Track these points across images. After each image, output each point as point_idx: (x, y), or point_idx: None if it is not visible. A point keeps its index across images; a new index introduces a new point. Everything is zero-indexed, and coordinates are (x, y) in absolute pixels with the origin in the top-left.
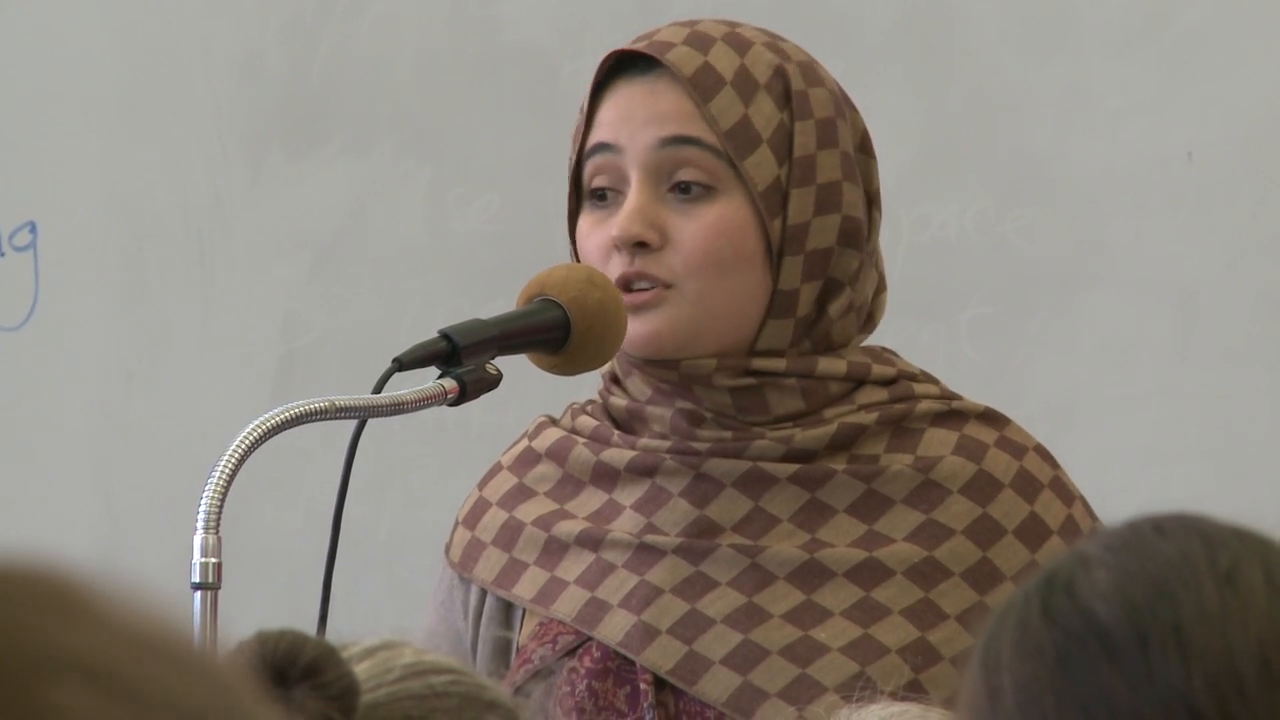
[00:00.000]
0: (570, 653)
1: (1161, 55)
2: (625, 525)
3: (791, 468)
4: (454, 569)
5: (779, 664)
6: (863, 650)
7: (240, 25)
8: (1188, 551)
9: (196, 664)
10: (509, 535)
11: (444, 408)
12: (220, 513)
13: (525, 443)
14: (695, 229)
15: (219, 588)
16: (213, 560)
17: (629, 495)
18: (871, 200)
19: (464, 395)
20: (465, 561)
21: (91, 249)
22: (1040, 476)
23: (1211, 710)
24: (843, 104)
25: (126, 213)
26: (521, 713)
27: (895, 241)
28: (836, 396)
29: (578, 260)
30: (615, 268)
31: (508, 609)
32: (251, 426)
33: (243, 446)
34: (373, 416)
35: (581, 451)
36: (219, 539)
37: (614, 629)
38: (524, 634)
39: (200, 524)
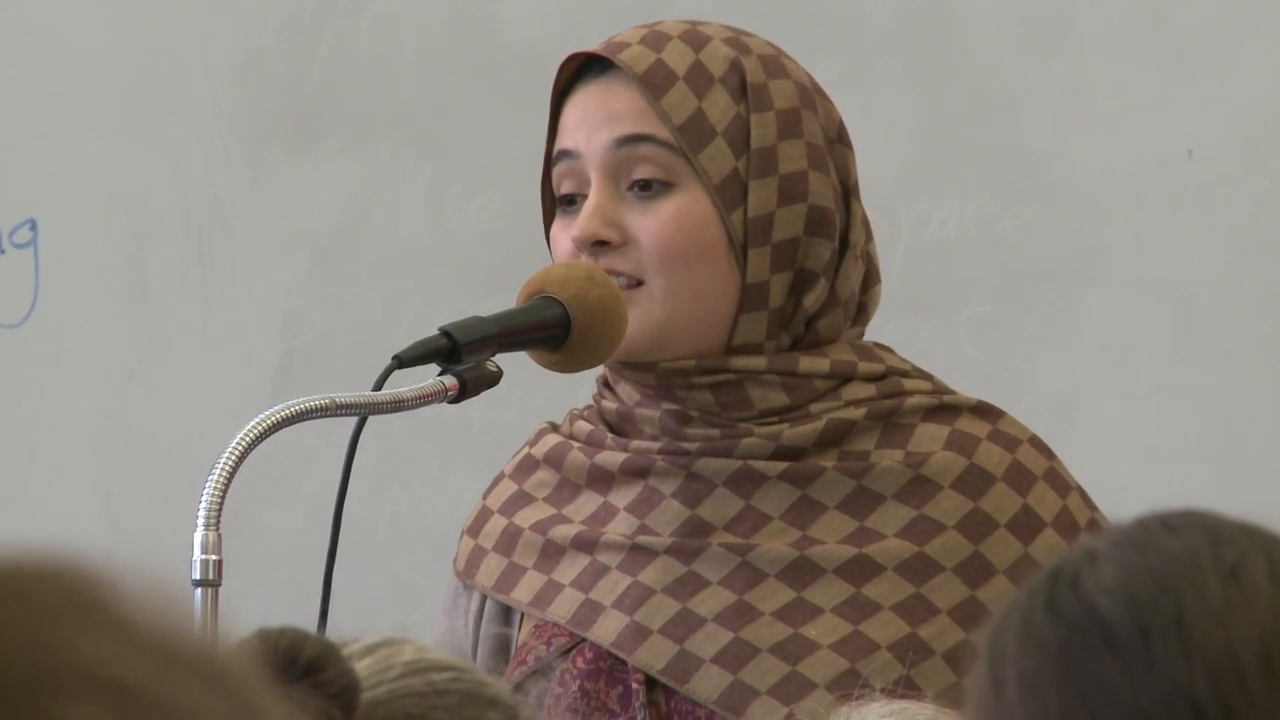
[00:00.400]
0: (565, 654)
1: (1161, 55)
2: (619, 527)
3: (782, 465)
4: (459, 578)
5: (769, 662)
6: (853, 647)
7: (240, 25)
8: (1193, 547)
9: (213, 673)
10: (508, 541)
11: (444, 405)
12: (221, 510)
13: (526, 450)
14: (653, 223)
15: (220, 585)
16: (213, 557)
17: (623, 497)
18: (849, 191)
19: (464, 392)
20: (469, 569)
21: (91, 248)
22: (1034, 468)
23: (1212, 704)
24: (812, 95)
25: (126, 212)
26: (521, 710)
27: (895, 240)
28: (822, 391)
29: None
30: None
31: (507, 612)
32: (252, 424)
33: (243, 444)
34: (373, 414)
35: (577, 456)
36: (219, 536)
37: (607, 630)
38: (521, 637)
39: (201, 521)
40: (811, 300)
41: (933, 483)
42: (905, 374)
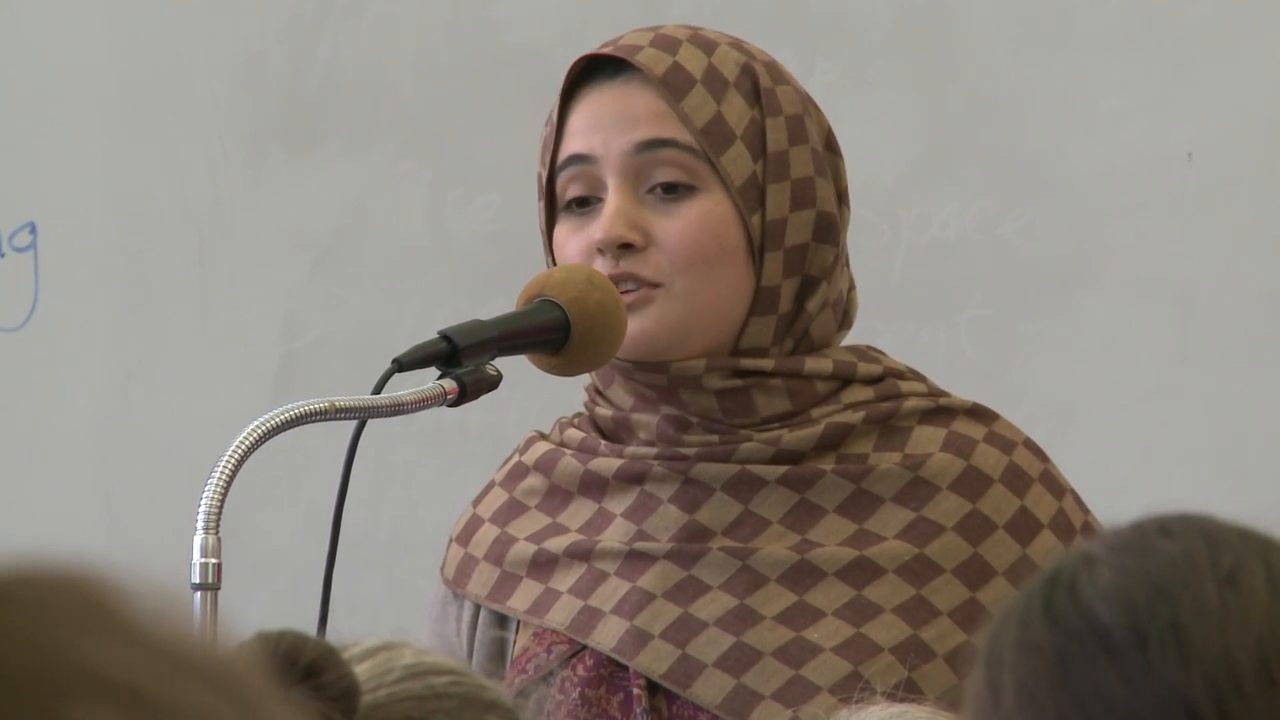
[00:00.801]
0: (565, 661)
1: (1161, 55)
2: (616, 533)
3: (780, 469)
4: (448, 586)
5: (772, 665)
6: (856, 650)
7: (240, 25)
8: (1190, 551)
9: (220, 677)
10: (500, 550)
11: (443, 408)
12: (220, 513)
13: (516, 458)
14: (679, 226)
15: (219, 588)
16: (213, 560)
17: (619, 503)
18: (840, 197)
19: (464, 396)
20: (459, 578)
21: (91, 249)
22: (1030, 471)
23: (1209, 710)
24: (808, 102)
25: (126, 213)
26: (521, 714)
27: (895, 241)
28: (823, 396)
29: None
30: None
31: (502, 617)
32: (251, 427)
33: (243, 447)
34: (372, 417)
35: (569, 463)
36: (219, 539)
37: (607, 635)
38: (518, 647)
39: (200, 524)
40: (814, 305)
41: (931, 484)
42: (900, 375)
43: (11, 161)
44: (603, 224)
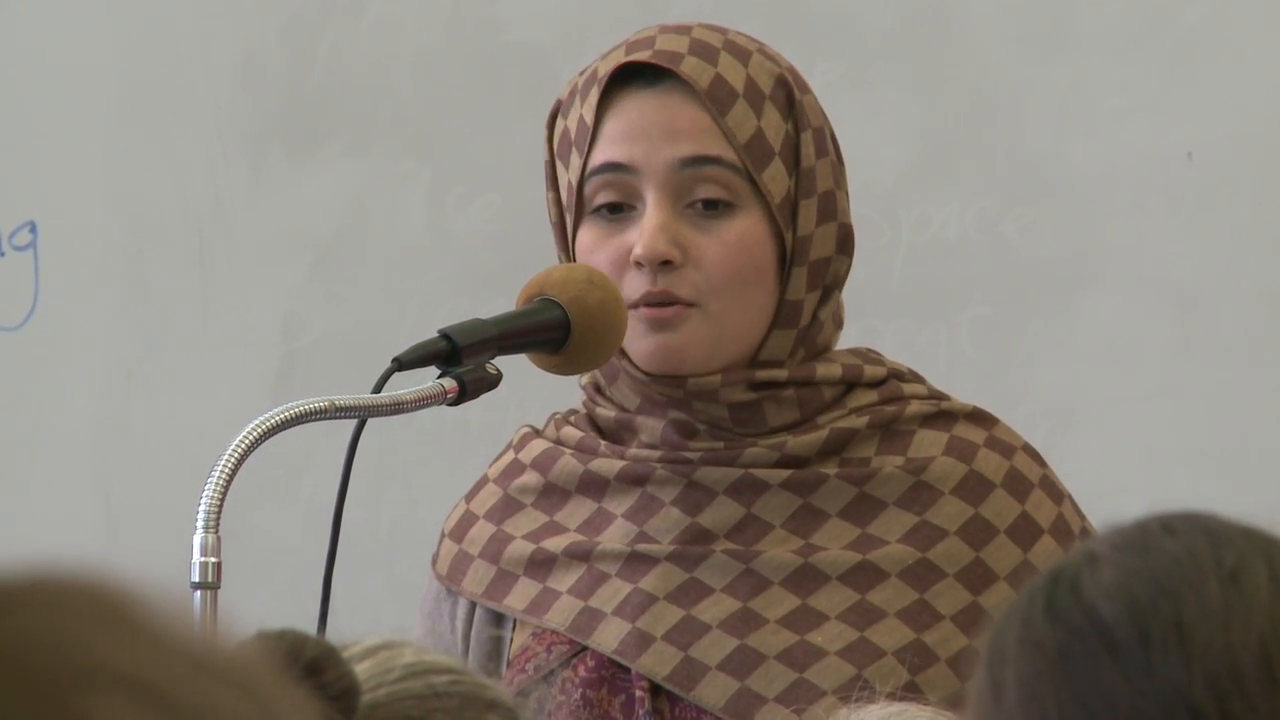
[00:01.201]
0: (566, 662)
1: (1161, 55)
2: (616, 534)
3: (783, 473)
4: (441, 581)
5: (776, 669)
6: (859, 653)
7: (240, 25)
8: (1193, 550)
9: (237, 678)
10: (496, 548)
11: (444, 407)
12: (220, 512)
13: (511, 455)
14: (719, 246)
15: (219, 587)
16: (213, 560)
17: (619, 504)
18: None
19: (464, 395)
20: (453, 574)
21: (91, 249)
22: (1030, 475)
23: (1211, 708)
24: (824, 112)
25: (126, 213)
26: (521, 713)
27: (895, 241)
28: (829, 402)
29: None
30: (634, 285)
31: (499, 615)
32: (251, 426)
33: (243, 446)
34: (372, 416)
35: (569, 461)
36: (219, 538)
37: (609, 637)
38: (515, 646)
39: (200, 523)
40: (825, 314)
41: (933, 488)
42: (902, 377)
43: (11, 161)
44: (644, 239)
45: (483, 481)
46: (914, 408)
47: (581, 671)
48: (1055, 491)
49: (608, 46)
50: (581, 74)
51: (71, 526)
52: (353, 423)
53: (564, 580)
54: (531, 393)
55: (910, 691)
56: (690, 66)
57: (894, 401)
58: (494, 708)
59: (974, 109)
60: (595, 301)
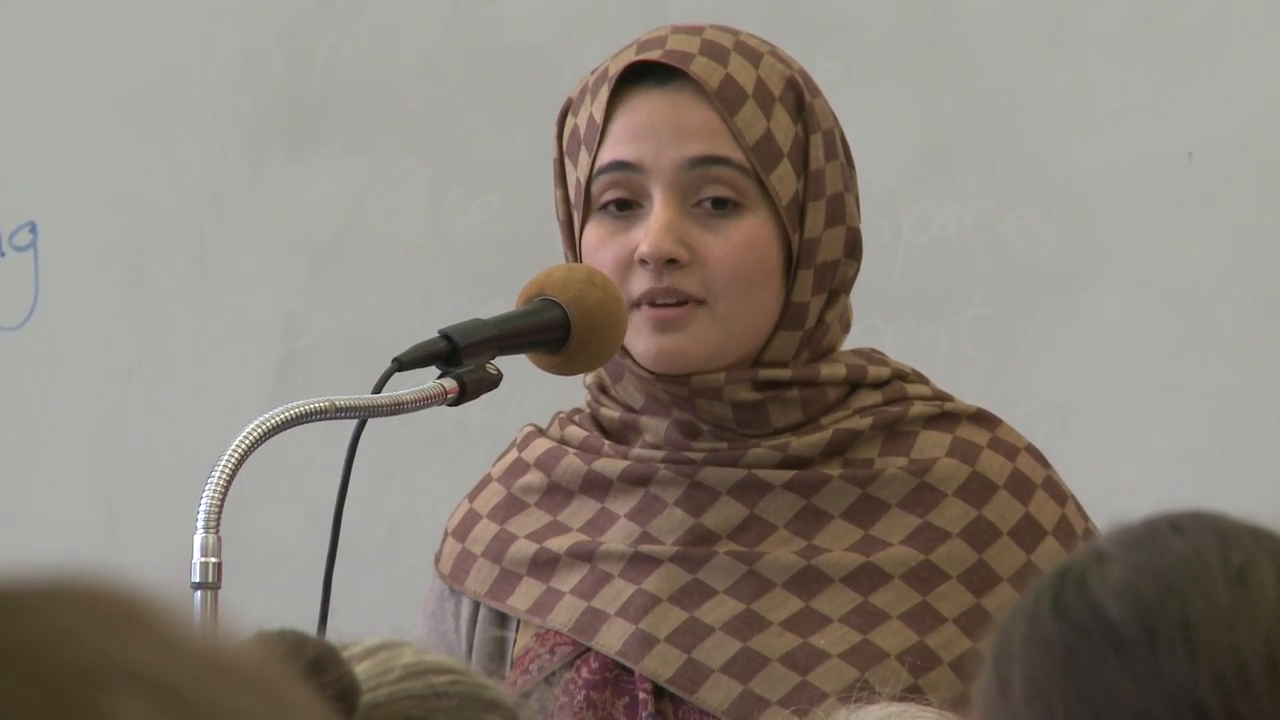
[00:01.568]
0: (568, 664)
1: (1161, 55)
2: (619, 534)
3: (787, 474)
4: (444, 580)
5: (779, 671)
6: (862, 656)
7: (240, 25)
8: (1201, 549)
9: (253, 679)
10: (500, 548)
11: (444, 408)
12: (220, 512)
13: (514, 453)
14: (725, 246)
15: (219, 587)
16: (213, 560)
17: (623, 505)
18: (858, 209)
19: (464, 395)
20: (456, 574)
21: (91, 249)
22: (1033, 477)
23: (1217, 707)
24: (834, 115)
25: (126, 213)
26: (522, 713)
27: (895, 241)
28: (833, 402)
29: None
30: (639, 282)
31: (502, 616)
32: (251, 426)
33: (243, 446)
34: (373, 416)
35: (572, 461)
36: (219, 538)
37: (612, 638)
38: (519, 646)
39: (200, 523)
40: (832, 316)
41: (937, 490)
42: (905, 378)
43: (11, 161)
44: (650, 238)
45: (486, 480)
46: (917, 409)
47: (585, 673)
48: (1059, 493)
49: (607, 46)
50: (593, 73)
51: (71, 526)
52: (353, 423)
53: (567, 581)
54: (532, 393)
55: (913, 694)
56: (700, 66)
57: (898, 402)
58: (494, 708)
59: (974, 109)
60: (595, 301)
